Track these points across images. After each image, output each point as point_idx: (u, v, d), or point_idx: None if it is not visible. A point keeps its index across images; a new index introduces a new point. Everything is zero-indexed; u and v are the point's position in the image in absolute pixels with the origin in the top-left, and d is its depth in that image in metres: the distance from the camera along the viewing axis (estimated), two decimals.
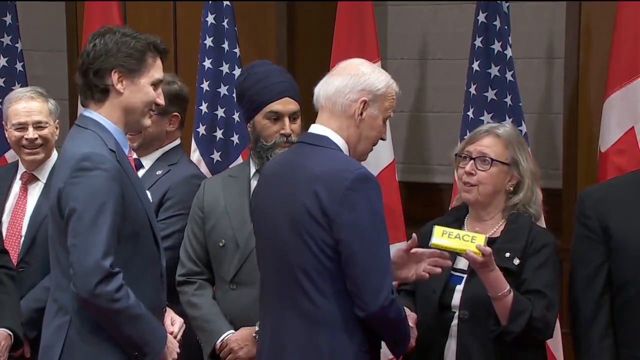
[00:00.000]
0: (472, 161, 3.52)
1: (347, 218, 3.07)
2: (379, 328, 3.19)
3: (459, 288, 3.46)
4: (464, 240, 3.32)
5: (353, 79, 3.20)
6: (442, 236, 3.34)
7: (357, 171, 3.11)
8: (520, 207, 3.54)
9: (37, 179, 4.25)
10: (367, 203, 3.08)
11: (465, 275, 3.48)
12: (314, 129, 3.24)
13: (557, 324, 4.45)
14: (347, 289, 3.11)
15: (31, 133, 4.19)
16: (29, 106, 4.22)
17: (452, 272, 3.51)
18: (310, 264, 3.11)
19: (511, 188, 3.54)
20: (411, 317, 3.38)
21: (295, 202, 3.13)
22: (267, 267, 3.27)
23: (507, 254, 3.42)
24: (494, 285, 3.34)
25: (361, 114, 3.20)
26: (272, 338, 3.23)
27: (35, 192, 4.23)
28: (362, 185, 3.09)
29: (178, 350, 3.40)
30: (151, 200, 4.00)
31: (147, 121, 3.32)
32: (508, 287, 3.34)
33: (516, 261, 3.41)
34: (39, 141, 4.20)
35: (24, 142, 4.20)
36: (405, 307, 3.27)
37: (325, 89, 3.22)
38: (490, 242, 3.46)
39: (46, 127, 4.23)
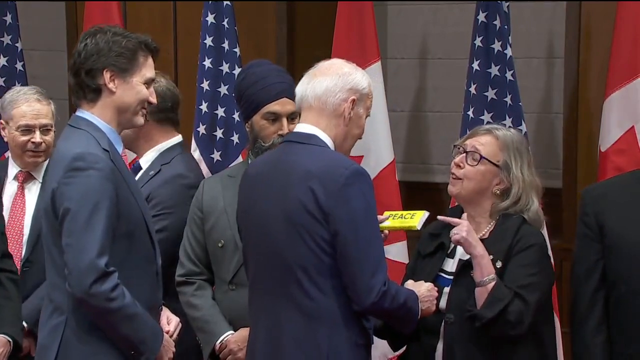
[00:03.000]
0: (464, 154, 3.51)
1: (343, 211, 3.11)
2: (378, 318, 3.28)
3: (447, 290, 3.45)
4: (405, 219, 3.49)
5: (342, 78, 3.25)
6: (388, 219, 3.48)
7: (352, 167, 3.16)
8: (512, 212, 3.49)
9: (34, 178, 4.24)
10: (362, 197, 3.14)
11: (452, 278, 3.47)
12: (301, 127, 3.27)
13: (557, 324, 4.46)
14: (343, 283, 3.14)
15: (38, 137, 4.16)
16: (36, 109, 4.18)
17: (440, 273, 3.50)
18: (308, 260, 3.14)
19: (498, 192, 3.50)
20: (423, 287, 3.37)
21: (290, 200, 3.16)
22: (259, 266, 3.28)
23: (491, 257, 3.39)
24: (482, 268, 3.32)
25: (350, 112, 3.24)
26: (268, 336, 3.24)
27: (32, 191, 4.22)
28: (357, 181, 3.14)
29: (174, 349, 3.40)
30: None
31: (140, 119, 3.32)
32: (494, 275, 3.33)
33: (498, 264, 3.38)
34: (43, 146, 4.18)
35: (30, 145, 4.17)
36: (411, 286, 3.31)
37: (314, 88, 3.25)
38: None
39: (51, 131, 4.21)
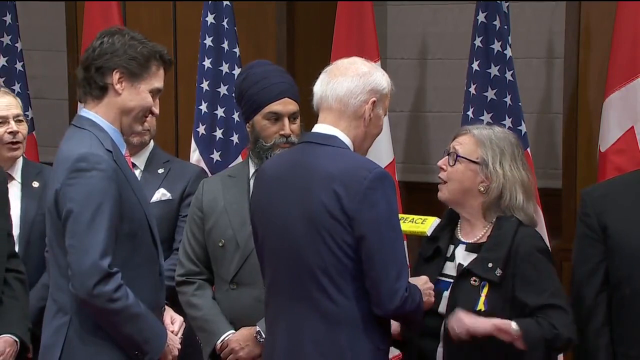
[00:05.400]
0: (446, 157, 3.51)
1: (368, 215, 3.08)
2: (397, 321, 3.28)
3: (446, 294, 3.42)
4: (415, 224, 3.55)
5: (362, 79, 3.21)
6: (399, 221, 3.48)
7: (375, 170, 3.13)
8: (507, 211, 3.46)
9: (13, 178, 4.20)
10: (386, 201, 3.11)
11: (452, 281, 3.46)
12: (321, 128, 3.23)
13: None
14: (366, 287, 3.13)
15: (14, 126, 4.15)
16: (6, 100, 4.18)
17: (440, 277, 3.47)
18: (330, 263, 3.11)
19: (482, 189, 3.45)
20: (421, 281, 3.34)
21: (312, 202, 3.12)
22: (278, 268, 3.24)
23: (490, 264, 3.35)
24: (504, 332, 3.24)
25: (370, 114, 3.22)
26: (288, 338, 3.21)
27: (13, 191, 4.14)
28: (381, 184, 3.11)
29: (179, 346, 3.41)
30: (171, 198, 4.14)
31: (139, 127, 3.34)
32: (516, 326, 3.24)
33: (498, 272, 3.33)
34: (20, 136, 4.17)
35: (7, 136, 4.14)
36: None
37: (335, 89, 3.21)
38: (475, 248, 3.44)
39: (23, 122, 4.22)
